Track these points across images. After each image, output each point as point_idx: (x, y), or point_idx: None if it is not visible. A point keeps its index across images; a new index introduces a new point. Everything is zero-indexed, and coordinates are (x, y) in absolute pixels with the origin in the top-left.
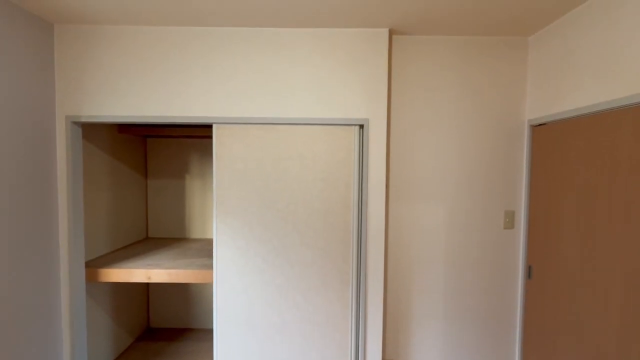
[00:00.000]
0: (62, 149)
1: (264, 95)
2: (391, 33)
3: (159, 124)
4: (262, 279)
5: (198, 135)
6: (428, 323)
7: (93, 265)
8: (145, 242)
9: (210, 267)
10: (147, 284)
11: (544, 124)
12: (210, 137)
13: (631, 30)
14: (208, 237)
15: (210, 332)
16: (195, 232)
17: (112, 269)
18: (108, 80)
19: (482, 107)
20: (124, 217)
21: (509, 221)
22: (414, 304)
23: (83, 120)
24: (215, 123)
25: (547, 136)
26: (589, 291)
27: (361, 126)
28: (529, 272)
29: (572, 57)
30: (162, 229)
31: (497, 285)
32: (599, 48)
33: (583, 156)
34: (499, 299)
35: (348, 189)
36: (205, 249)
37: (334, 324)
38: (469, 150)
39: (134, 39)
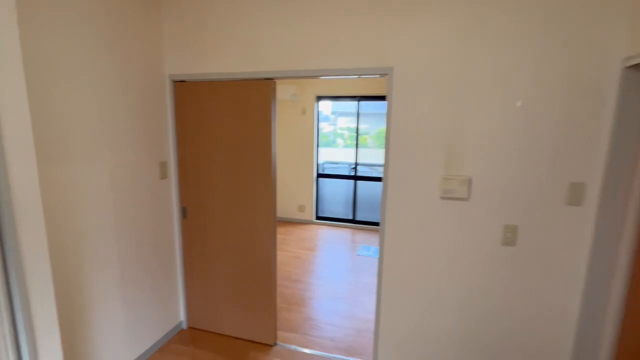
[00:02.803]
0: None
1: None
2: None
3: None
4: None
5: None
6: (106, 295)
7: None
8: None
9: None
10: None
11: (185, 81)
12: None
13: (234, 14)
14: None
15: None
16: None
17: None
18: None
19: (123, 53)
20: None
21: (164, 171)
22: (92, 282)
23: None
24: None
25: (188, 92)
26: (220, 224)
27: None
28: (184, 214)
29: (201, 25)
30: None
31: (160, 231)
32: (217, 26)
33: (221, 113)
34: (163, 243)
35: None
36: None
37: None
38: (119, 101)
39: None
